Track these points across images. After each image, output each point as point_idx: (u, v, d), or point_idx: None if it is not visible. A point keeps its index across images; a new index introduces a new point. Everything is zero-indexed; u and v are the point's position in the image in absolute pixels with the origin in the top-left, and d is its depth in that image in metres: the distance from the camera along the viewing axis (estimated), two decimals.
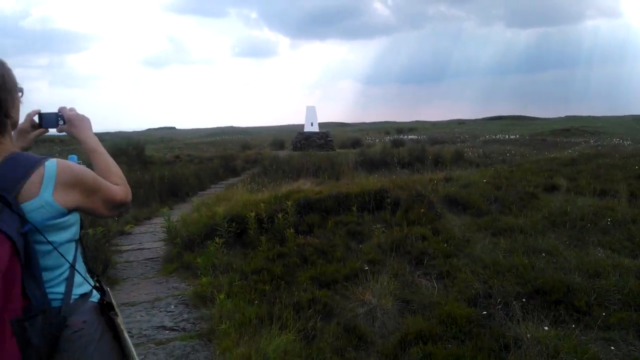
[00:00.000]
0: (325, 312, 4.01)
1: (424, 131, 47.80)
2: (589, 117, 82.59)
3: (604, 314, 3.65)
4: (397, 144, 25.34)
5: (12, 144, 1.42)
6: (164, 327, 4.04)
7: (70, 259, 1.46)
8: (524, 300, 3.92)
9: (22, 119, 1.56)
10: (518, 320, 3.58)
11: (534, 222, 6.14)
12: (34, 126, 1.69)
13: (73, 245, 1.49)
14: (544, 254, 4.89)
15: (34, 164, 1.36)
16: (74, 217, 1.46)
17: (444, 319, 3.67)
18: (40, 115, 1.68)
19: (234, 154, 22.17)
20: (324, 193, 7.26)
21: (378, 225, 6.01)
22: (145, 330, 3.98)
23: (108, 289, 1.61)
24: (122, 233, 7.75)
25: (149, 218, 9.20)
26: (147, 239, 7.36)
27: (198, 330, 3.96)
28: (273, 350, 3.22)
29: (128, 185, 1.63)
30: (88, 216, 1.60)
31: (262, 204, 6.68)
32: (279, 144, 30.89)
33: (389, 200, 6.91)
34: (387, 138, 33.97)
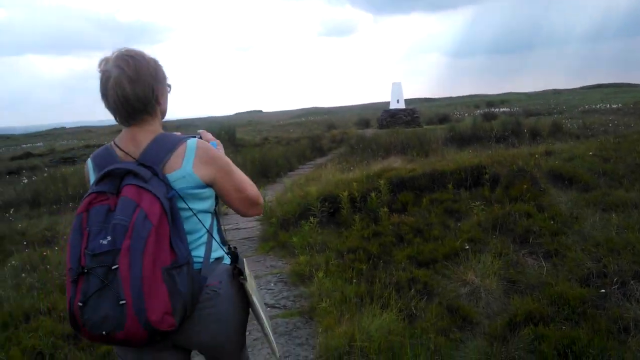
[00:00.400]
0: (426, 291, 3.93)
1: (517, 103, 45.06)
2: None
3: None
4: (488, 117, 24.01)
5: (160, 127, 1.63)
6: (266, 305, 4.15)
7: (207, 226, 1.65)
8: None
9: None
10: (638, 300, 3.34)
11: None
12: None
13: (209, 215, 1.68)
14: None
15: (178, 142, 1.57)
16: (210, 191, 1.64)
17: (555, 299, 3.50)
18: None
19: (319, 134, 22.28)
20: (417, 171, 7.07)
21: (477, 203, 5.74)
22: None
23: (242, 257, 1.76)
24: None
25: None
26: (243, 219, 7.61)
27: (299, 308, 4.02)
28: (376, 329, 3.18)
29: (260, 196, 1.79)
30: None
31: (354, 183, 6.65)
32: (364, 123, 30.67)
33: (487, 176, 6.57)
34: (477, 112, 32.38)
